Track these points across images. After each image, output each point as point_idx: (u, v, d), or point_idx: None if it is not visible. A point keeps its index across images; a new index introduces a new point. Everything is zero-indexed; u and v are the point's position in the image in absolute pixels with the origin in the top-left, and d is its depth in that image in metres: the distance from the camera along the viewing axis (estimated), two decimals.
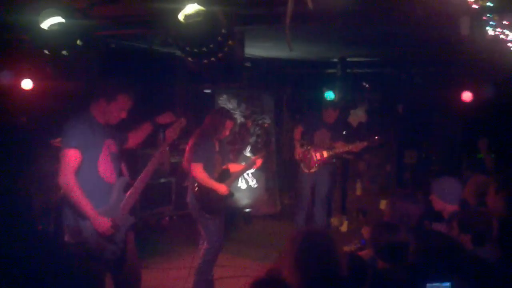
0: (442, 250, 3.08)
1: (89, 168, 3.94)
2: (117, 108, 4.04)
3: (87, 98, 4.11)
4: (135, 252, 4.38)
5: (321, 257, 2.75)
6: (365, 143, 7.33)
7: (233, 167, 5.69)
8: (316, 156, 7.31)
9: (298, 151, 7.47)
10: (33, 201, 5.91)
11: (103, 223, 3.88)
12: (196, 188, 5.21)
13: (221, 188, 5.22)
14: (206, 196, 5.19)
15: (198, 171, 5.14)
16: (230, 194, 5.39)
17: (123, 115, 4.11)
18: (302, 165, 7.48)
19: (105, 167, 4.04)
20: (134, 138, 4.48)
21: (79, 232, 3.88)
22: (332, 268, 2.75)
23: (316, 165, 7.31)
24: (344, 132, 7.83)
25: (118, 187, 4.13)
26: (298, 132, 7.60)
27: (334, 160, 7.62)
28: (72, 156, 3.83)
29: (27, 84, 6.26)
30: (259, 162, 5.94)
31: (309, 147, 7.34)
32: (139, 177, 4.25)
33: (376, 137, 7.34)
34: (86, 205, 3.83)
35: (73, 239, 3.92)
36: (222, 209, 5.34)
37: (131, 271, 4.33)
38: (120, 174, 4.22)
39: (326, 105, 7.55)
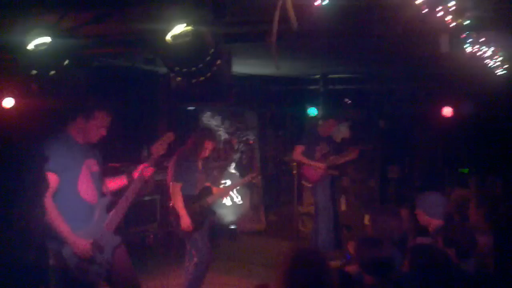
0: (431, 263, 3.13)
1: (69, 189, 3.87)
2: (96, 126, 3.98)
3: (65, 118, 4.05)
4: (130, 267, 4.27)
5: (312, 275, 2.77)
6: (359, 148, 7.49)
7: (217, 190, 5.71)
8: (316, 170, 7.35)
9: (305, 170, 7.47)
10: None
11: (81, 245, 3.81)
12: (171, 205, 5.26)
13: (185, 221, 5.16)
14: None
15: (175, 191, 5.19)
16: (204, 218, 5.35)
17: (103, 132, 4.04)
18: (304, 181, 7.53)
19: (86, 188, 3.97)
20: (110, 185, 4.36)
21: (60, 255, 3.82)
22: (322, 286, 2.77)
23: (318, 179, 7.36)
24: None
25: (101, 207, 4.06)
26: (298, 152, 7.43)
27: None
28: (48, 180, 3.77)
29: (8, 102, 6.20)
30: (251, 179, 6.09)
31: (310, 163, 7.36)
32: (124, 196, 4.17)
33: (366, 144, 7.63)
34: (62, 227, 3.76)
35: (56, 263, 3.86)
36: (203, 224, 5.32)
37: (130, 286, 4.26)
38: (102, 193, 4.14)
39: (325, 116, 7.62)
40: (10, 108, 6.16)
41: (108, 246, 4.04)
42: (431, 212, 4.24)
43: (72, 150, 3.94)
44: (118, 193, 4.29)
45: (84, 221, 3.93)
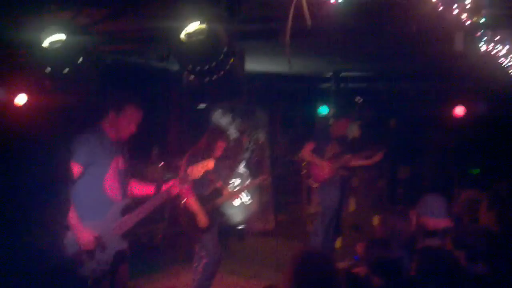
0: (439, 265, 3.11)
1: (95, 183, 3.91)
2: (126, 121, 3.98)
3: (91, 113, 4.08)
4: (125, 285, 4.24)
5: (319, 276, 2.76)
6: (382, 154, 7.28)
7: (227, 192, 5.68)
8: (323, 170, 7.19)
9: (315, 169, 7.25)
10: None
11: (85, 234, 3.80)
12: (182, 205, 5.24)
13: (202, 219, 5.15)
14: (192, 213, 5.18)
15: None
16: (214, 219, 5.34)
17: (133, 128, 4.04)
18: (310, 180, 7.39)
19: (112, 184, 4.01)
20: (137, 190, 4.37)
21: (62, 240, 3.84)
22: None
23: (324, 179, 7.20)
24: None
25: (118, 207, 4.05)
26: (307, 149, 7.15)
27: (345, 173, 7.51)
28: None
29: (21, 99, 6.21)
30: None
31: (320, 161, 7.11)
32: (144, 206, 4.13)
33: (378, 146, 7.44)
34: (72, 214, 3.74)
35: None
36: (213, 225, 5.29)
37: None
38: (125, 193, 4.15)
39: (338, 116, 7.45)
40: (23, 105, 6.20)
41: (112, 247, 3.99)
42: (435, 214, 4.20)
43: (104, 146, 3.96)
44: (138, 199, 4.29)
45: (100, 215, 3.94)
